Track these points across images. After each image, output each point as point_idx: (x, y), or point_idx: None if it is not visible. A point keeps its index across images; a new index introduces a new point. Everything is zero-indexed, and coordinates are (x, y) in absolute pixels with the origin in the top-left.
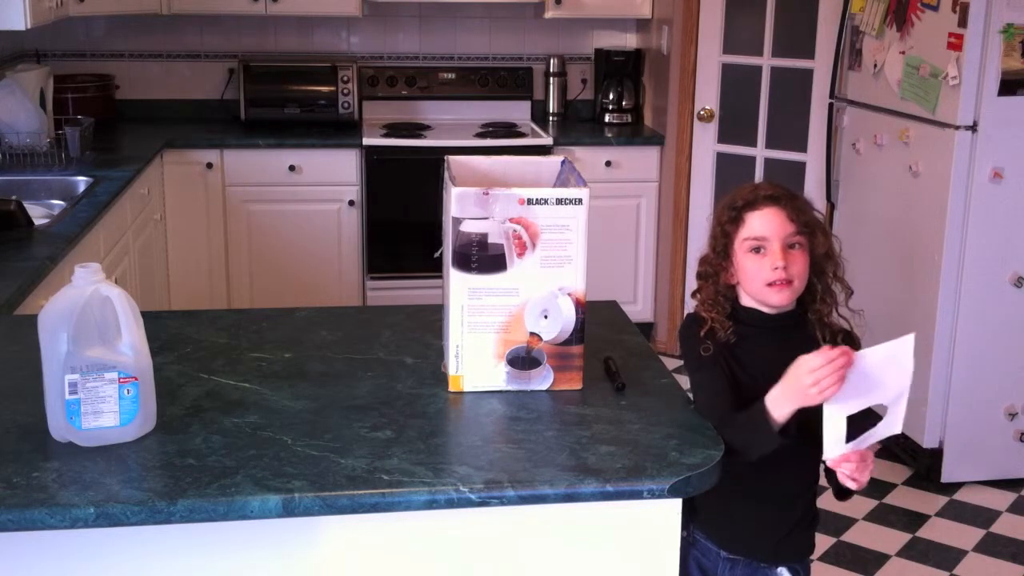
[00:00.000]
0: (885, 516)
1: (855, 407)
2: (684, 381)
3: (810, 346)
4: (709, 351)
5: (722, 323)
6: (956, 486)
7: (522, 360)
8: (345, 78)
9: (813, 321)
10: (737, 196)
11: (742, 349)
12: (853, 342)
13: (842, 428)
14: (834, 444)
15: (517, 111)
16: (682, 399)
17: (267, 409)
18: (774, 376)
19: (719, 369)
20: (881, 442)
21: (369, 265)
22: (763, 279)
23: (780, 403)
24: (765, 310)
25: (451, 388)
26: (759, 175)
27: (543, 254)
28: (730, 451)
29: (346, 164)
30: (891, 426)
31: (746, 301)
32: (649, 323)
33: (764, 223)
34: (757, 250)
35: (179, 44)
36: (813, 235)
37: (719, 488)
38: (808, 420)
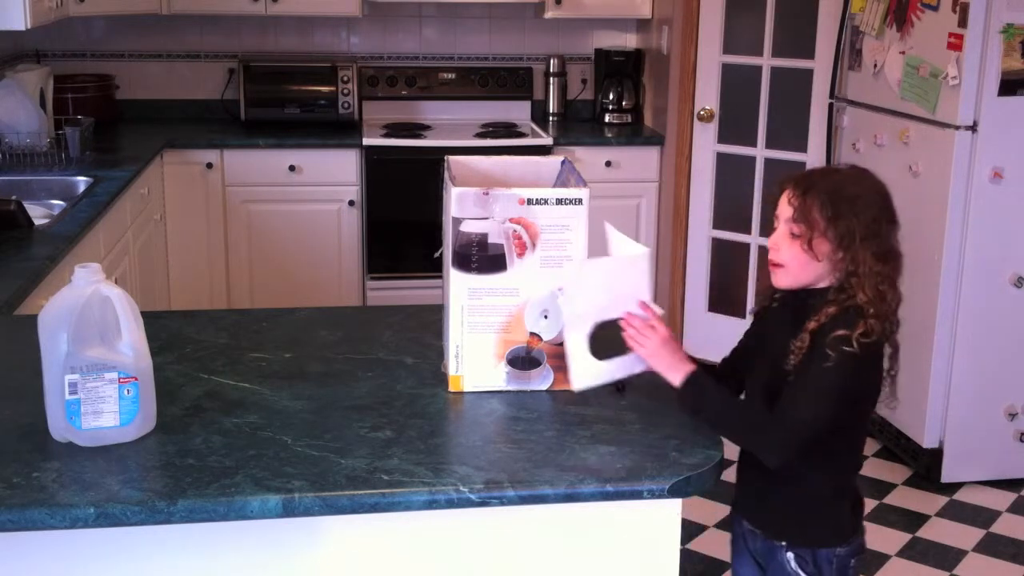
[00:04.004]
0: (885, 516)
1: (591, 321)
2: None
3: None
4: (752, 313)
5: (763, 290)
6: (956, 486)
7: (522, 360)
8: (345, 78)
9: (817, 307)
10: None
11: (771, 316)
12: (820, 351)
13: (586, 354)
14: (582, 374)
15: (517, 111)
16: None
17: (267, 409)
18: (773, 347)
19: (749, 330)
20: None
21: (369, 265)
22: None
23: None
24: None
25: (451, 388)
26: (759, 175)
27: (543, 254)
28: None
29: (346, 164)
30: (635, 363)
31: None
32: None
33: (780, 202)
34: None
35: (179, 44)
36: (811, 228)
37: (742, 454)
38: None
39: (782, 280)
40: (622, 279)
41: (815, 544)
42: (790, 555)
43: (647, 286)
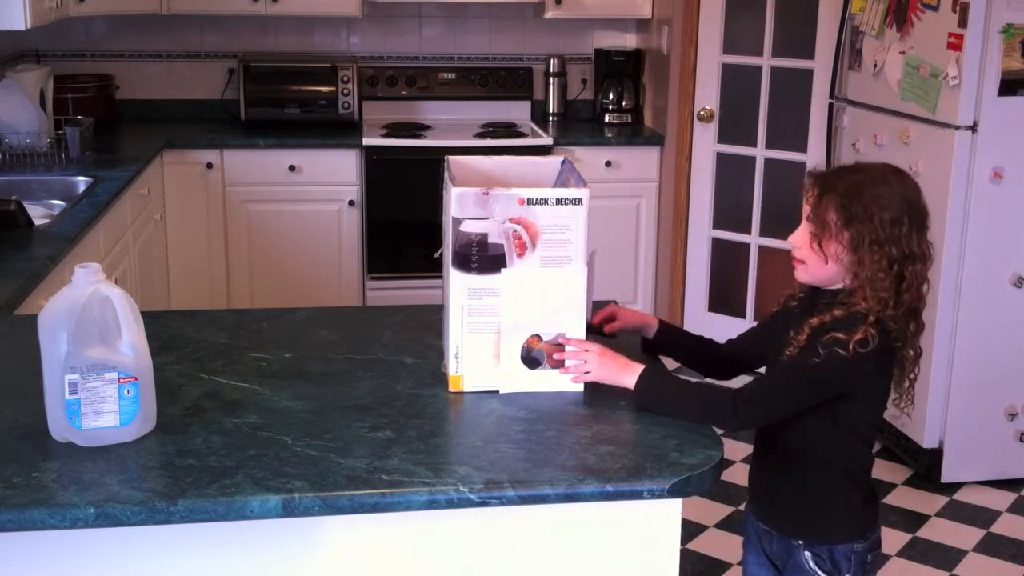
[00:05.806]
0: (885, 516)
1: (526, 331)
2: None
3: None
4: (774, 311)
5: (793, 289)
6: (956, 486)
7: (522, 360)
8: (345, 78)
9: (824, 306)
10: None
11: (786, 316)
12: (812, 346)
13: (518, 362)
14: (510, 380)
15: (517, 111)
16: None
17: (267, 409)
18: (779, 344)
19: (759, 325)
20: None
21: (369, 265)
22: None
23: None
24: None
25: (451, 388)
26: (759, 175)
27: (543, 254)
28: None
29: (346, 164)
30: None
31: None
32: None
33: (804, 199)
34: None
35: (179, 44)
36: (824, 230)
37: (755, 454)
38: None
39: (802, 275)
40: (557, 292)
41: (831, 540)
42: (807, 554)
43: (582, 300)
